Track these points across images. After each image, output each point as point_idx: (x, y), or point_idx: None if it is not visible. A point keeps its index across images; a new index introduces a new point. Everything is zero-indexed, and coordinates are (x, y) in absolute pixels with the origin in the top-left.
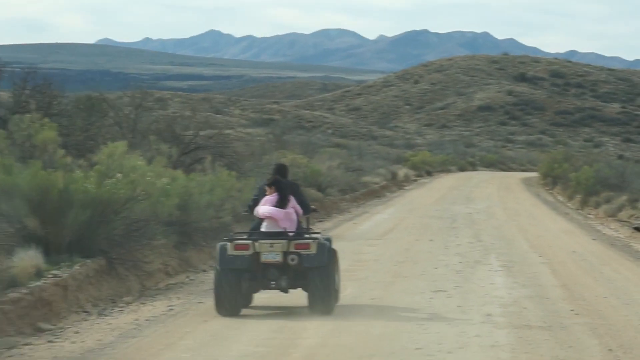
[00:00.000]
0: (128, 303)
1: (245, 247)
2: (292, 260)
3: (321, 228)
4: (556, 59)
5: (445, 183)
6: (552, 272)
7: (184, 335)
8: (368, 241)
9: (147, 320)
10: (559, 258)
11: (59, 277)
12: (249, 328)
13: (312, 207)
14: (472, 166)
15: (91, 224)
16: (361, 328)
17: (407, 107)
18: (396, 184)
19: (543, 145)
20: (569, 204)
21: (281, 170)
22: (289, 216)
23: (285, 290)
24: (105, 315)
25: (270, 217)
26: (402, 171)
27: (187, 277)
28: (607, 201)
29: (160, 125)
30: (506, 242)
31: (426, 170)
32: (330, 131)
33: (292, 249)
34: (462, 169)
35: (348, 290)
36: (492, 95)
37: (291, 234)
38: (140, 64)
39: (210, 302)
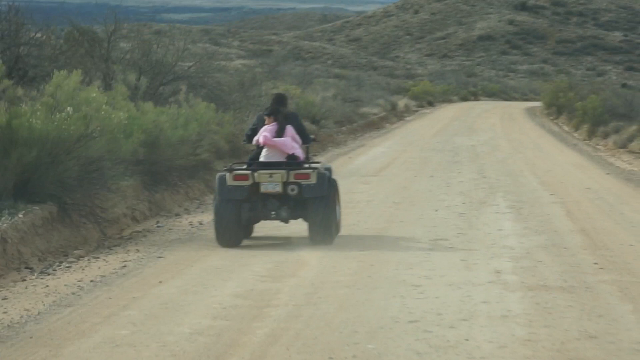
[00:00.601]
0: (80, 257)
1: (244, 177)
2: (292, 190)
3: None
4: None
5: (447, 113)
6: (567, 214)
7: (130, 303)
8: (362, 178)
9: (92, 281)
10: (573, 196)
11: None
12: (209, 292)
13: (312, 136)
14: (474, 96)
15: (39, 165)
16: (343, 292)
17: (408, 37)
18: (396, 114)
19: (545, 75)
20: (575, 135)
21: (280, 99)
22: (293, 142)
23: (285, 221)
24: (48, 274)
25: (275, 146)
26: (402, 102)
27: (157, 222)
28: (616, 131)
29: (135, 54)
30: (513, 178)
31: (427, 101)
32: (330, 62)
33: (291, 179)
34: (464, 99)
35: (335, 239)
36: (492, 24)
37: (295, 161)
38: None
39: (172, 256)
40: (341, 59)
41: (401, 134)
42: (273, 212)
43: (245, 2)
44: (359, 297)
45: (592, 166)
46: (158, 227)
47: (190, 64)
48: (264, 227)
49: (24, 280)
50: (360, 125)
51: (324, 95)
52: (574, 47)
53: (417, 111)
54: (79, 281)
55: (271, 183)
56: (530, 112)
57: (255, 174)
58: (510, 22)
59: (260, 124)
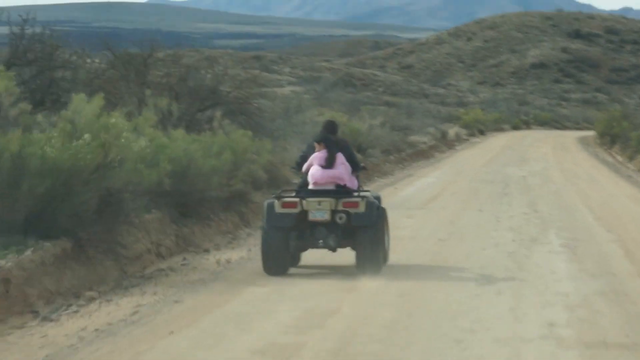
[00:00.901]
0: (91, 299)
1: (292, 204)
2: (340, 218)
3: None
4: (611, 14)
5: (498, 142)
6: (626, 255)
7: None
8: (408, 211)
9: (96, 330)
10: (632, 234)
11: (1, 267)
12: (224, 346)
13: (362, 164)
14: (526, 125)
15: (52, 197)
16: (375, 348)
17: (460, 64)
18: (446, 143)
19: (598, 103)
20: (630, 165)
21: (330, 126)
22: (348, 174)
23: (333, 249)
24: (51, 320)
25: (333, 181)
26: (452, 130)
27: (183, 259)
28: None
29: (172, 78)
30: (566, 212)
31: (478, 129)
32: (381, 89)
33: (340, 207)
34: (515, 127)
35: (373, 281)
36: (545, 52)
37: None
38: (192, 23)
39: (190, 300)
40: (392, 87)
41: (450, 164)
42: (321, 240)
43: (297, 29)
44: (392, 355)
45: None
46: (183, 264)
47: (230, 89)
48: (313, 256)
49: (23, 327)
50: (409, 154)
51: (371, 123)
52: (627, 75)
53: (467, 140)
54: (81, 330)
55: (319, 211)
56: (583, 141)
57: (304, 202)
58: (564, 50)
59: (310, 151)
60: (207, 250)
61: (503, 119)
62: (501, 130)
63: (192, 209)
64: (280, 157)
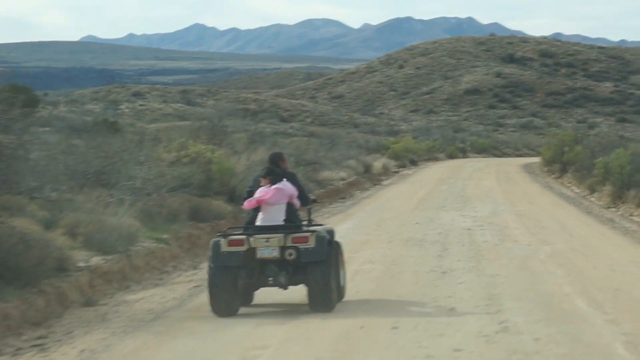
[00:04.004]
0: None
1: (239, 242)
2: (290, 255)
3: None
4: (544, 38)
5: (432, 174)
6: None
7: None
8: (262, 326)
9: None
10: None
11: None
12: None
13: (312, 197)
14: (463, 152)
15: None
16: None
17: (392, 92)
18: (370, 178)
19: (535, 128)
20: (592, 199)
21: (276, 159)
22: (280, 192)
23: (284, 287)
24: None
25: (262, 201)
26: (379, 162)
27: None
28: None
29: None
30: (559, 324)
31: (410, 159)
32: (309, 120)
33: (289, 243)
34: (451, 156)
35: None
36: (479, 77)
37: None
38: (124, 60)
39: None
40: (321, 117)
41: (370, 208)
42: (271, 279)
43: (231, 63)
44: None
45: None
46: None
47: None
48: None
49: None
50: (318, 196)
51: (254, 159)
52: (563, 99)
53: (397, 172)
54: None
55: (268, 248)
56: (528, 169)
57: (251, 239)
58: (498, 75)
59: (256, 186)
60: None
61: (437, 147)
62: (436, 159)
63: None
64: (75, 219)
